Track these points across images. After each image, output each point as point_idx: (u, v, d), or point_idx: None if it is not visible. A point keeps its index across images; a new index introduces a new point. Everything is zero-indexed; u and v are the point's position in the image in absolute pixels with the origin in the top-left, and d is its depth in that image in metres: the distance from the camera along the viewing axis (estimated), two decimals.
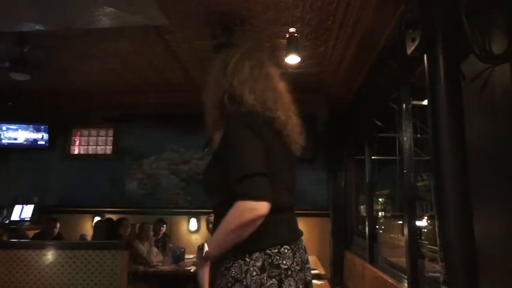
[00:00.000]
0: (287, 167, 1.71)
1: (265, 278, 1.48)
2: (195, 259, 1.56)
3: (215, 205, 1.70)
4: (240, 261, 1.51)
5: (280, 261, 1.52)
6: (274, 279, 1.49)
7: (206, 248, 1.53)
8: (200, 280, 1.56)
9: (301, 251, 1.63)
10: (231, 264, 1.52)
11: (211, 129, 1.74)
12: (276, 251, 1.53)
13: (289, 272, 1.53)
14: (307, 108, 3.03)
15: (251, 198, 1.44)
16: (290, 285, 1.51)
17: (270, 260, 1.51)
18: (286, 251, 1.55)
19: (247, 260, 1.50)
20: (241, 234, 1.46)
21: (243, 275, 1.48)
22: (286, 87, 1.82)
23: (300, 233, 1.69)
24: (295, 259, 1.57)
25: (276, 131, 1.66)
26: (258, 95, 1.67)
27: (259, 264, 1.49)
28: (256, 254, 1.50)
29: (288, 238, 1.60)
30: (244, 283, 1.47)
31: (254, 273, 1.48)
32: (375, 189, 5.73)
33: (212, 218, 5.57)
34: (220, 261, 1.55)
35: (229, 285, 1.49)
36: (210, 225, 5.64)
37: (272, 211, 1.49)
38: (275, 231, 1.56)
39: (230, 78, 1.71)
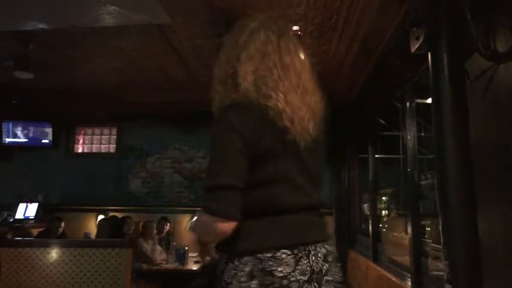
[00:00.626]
0: (294, 161, 1.44)
1: (255, 285, 1.29)
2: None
3: None
4: (230, 264, 1.35)
5: (274, 268, 1.29)
6: None
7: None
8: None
9: (313, 258, 1.35)
10: (224, 267, 1.38)
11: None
12: (270, 255, 1.30)
13: (286, 282, 1.28)
14: None
15: (210, 213, 1.31)
16: None
17: (260, 266, 1.30)
18: (283, 256, 1.30)
19: (236, 263, 1.33)
20: (203, 240, 1.49)
21: (231, 279, 1.33)
22: (308, 65, 1.60)
23: (319, 238, 1.43)
24: (298, 267, 1.31)
25: (271, 122, 1.38)
26: (258, 76, 1.44)
27: (247, 269, 1.30)
28: (246, 258, 1.32)
29: (290, 242, 1.34)
30: None
31: (242, 279, 1.30)
32: (379, 188, 5.72)
33: None
34: (218, 262, 1.45)
35: None
36: None
37: (268, 213, 1.36)
38: (270, 234, 1.35)
39: (240, 50, 1.50)
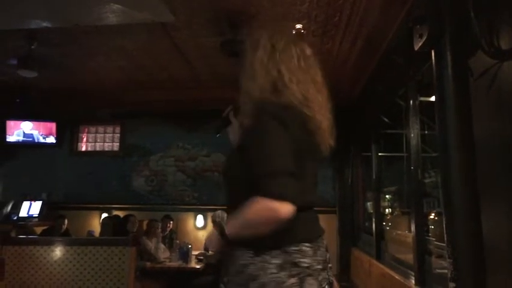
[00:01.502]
0: (314, 166, 1.63)
1: (284, 276, 1.38)
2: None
3: (232, 201, 1.56)
4: (258, 258, 1.41)
5: (300, 260, 1.42)
6: (295, 279, 1.39)
7: (227, 231, 1.44)
8: (211, 244, 1.52)
9: (322, 249, 1.53)
10: (249, 261, 1.42)
11: (244, 113, 1.61)
12: (297, 249, 1.43)
13: (309, 271, 1.43)
14: None
15: (278, 198, 1.31)
16: (311, 284, 1.42)
17: (289, 259, 1.41)
18: (307, 249, 1.45)
19: (266, 257, 1.40)
20: (257, 232, 1.37)
21: (260, 272, 1.39)
22: (324, 80, 1.72)
23: (322, 231, 1.59)
24: (316, 258, 1.47)
25: (309, 130, 1.55)
26: (302, 88, 1.58)
27: (278, 261, 1.40)
28: (276, 252, 1.41)
29: (309, 236, 1.50)
30: (261, 280, 1.39)
31: (272, 271, 1.39)
32: (382, 186, 5.72)
33: (217, 216, 5.60)
34: (237, 257, 1.46)
35: (245, 282, 1.41)
36: (214, 224, 5.66)
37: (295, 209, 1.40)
38: (296, 229, 1.43)
39: (278, 64, 1.59)
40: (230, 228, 1.44)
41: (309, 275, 1.42)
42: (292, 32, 1.79)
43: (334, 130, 1.67)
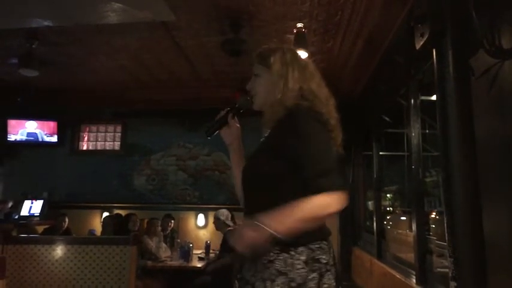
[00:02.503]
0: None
1: (309, 271, 1.50)
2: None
3: (259, 202, 1.62)
4: (284, 254, 1.52)
5: (320, 256, 1.55)
6: (315, 273, 1.52)
7: (269, 229, 1.43)
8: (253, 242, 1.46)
9: (332, 247, 1.66)
10: (275, 257, 1.52)
11: (268, 121, 1.75)
12: (318, 246, 1.56)
13: (328, 267, 1.56)
14: None
15: (340, 190, 1.48)
16: (330, 279, 1.55)
17: (312, 255, 1.53)
18: (325, 246, 1.59)
19: (293, 253, 1.52)
20: (311, 225, 1.49)
21: (288, 268, 1.50)
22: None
23: (330, 230, 1.71)
24: (331, 254, 1.61)
25: (329, 130, 1.70)
26: (322, 100, 1.73)
27: (303, 258, 1.51)
28: (301, 248, 1.53)
29: (326, 234, 1.64)
30: (290, 276, 1.49)
31: (299, 267, 1.50)
32: (383, 185, 5.72)
33: (221, 214, 5.59)
34: (261, 253, 1.53)
35: (272, 277, 1.51)
36: (217, 222, 5.65)
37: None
38: (318, 227, 1.58)
39: (303, 77, 1.76)
40: (282, 226, 1.44)
41: (327, 270, 1.56)
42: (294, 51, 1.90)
43: (341, 127, 1.79)
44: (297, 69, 1.76)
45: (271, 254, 1.52)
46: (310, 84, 1.75)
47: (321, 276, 1.53)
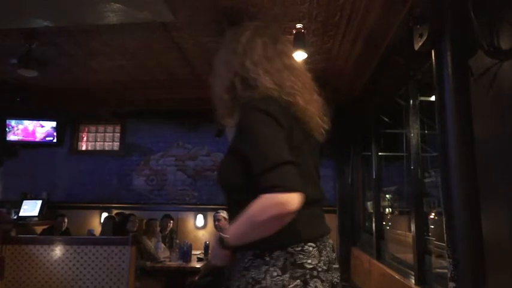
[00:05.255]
0: (310, 157, 1.51)
1: (287, 279, 1.32)
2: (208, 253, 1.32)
3: (231, 205, 1.49)
4: (259, 260, 1.35)
5: (304, 260, 1.35)
6: (298, 280, 1.32)
7: (226, 235, 1.35)
8: (218, 261, 1.41)
9: (328, 249, 1.44)
10: (249, 263, 1.37)
11: (222, 116, 1.57)
12: (299, 249, 1.35)
13: (315, 273, 1.35)
14: None
15: (282, 190, 1.23)
16: (316, 286, 1.34)
17: (292, 259, 1.34)
18: (310, 249, 1.37)
19: (267, 259, 1.34)
20: (266, 231, 1.28)
21: (263, 275, 1.33)
22: (304, 64, 1.64)
23: (328, 230, 1.50)
24: (321, 258, 1.39)
25: (295, 118, 1.45)
26: (275, 77, 1.48)
27: (280, 263, 1.33)
28: (277, 253, 1.34)
29: (313, 235, 1.41)
30: (264, 285, 1.32)
31: (275, 274, 1.32)
32: (382, 186, 5.72)
33: (220, 215, 5.61)
34: (238, 259, 1.41)
35: (248, 286, 1.35)
36: (217, 223, 5.66)
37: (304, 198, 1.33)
38: (298, 227, 1.36)
39: (241, 58, 1.52)
40: (232, 233, 1.35)
41: (313, 276, 1.35)
42: (262, 23, 1.63)
43: (326, 112, 1.60)
44: (232, 53, 1.56)
45: (246, 260, 1.37)
46: (253, 70, 1.50)
47: (305, 283, 1.32)
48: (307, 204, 1.35)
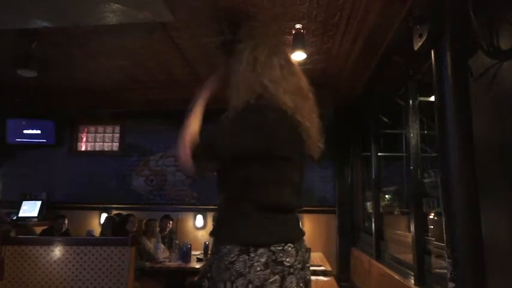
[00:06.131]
0: (298, 170, 1.71)
1: (268, 273, 1.50)
2: None
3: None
4: (244, 256, 1.52)
5: (283, 259, 1.53)
6: (277, 276, 1.51)
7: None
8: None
9: (303, 250, 1.63)
10: (235, 258, 1.52)
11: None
12: (280, 248, 1.54)
13: (292, 270, 1.54)
14: None
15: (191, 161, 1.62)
16: (291, 282, 1.53)
17: (273, 257, 1.52)
18: (290, 249, 1.56)
19: (252, 255, 1.51)
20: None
21: (247, 269, 1.50)
22: (309, 86, 1.77)
23: (303, 233, 1.70)
24: (297, 257, 1.58)
25: (300, 136, 1.67)
26: (291, 98, 1.64)
27: (263, 260, 1.51)
28: (261, 250, 1.51)
29: (292, 237, 1.61)
30: (248, 278, 1.49)
31: (258, 269, 1.50)
32: (382, 186, 5.72)
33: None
34: (224, 254, 1.56)
35: (232, 278, 1.51)
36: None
37: (278, 211, 1.60)
38: (280, 230, 1.58)
39: (260, 77, 1.66)
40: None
41: (290, 273, 1.54)
42: (276, 40, 1.83)
43: (322, 134, 1.76)
44: (252, 70, 1.71)
45: (232, 255, 1.53)
46: (273, 88, 1.67)
47: (283, 278, 1.52)
48: (290, 210, 1.65)
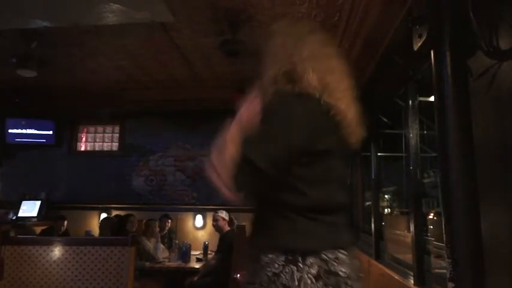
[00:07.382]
0: (342, 163, 1.52)
1: (320, 286, 1.28)
2: None
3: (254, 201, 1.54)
4: (292, 266, 1.30)
5: (338, 269, 1.31)
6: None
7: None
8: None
9: (355, 258, 1.41)
10: (280, 269, 1.30)
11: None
12: (333, 256, 1.32)
13: (349, 282, 1.32)
14: None
15: (231, 188, 1.39)
16: None
17: (326, 267, 1.30)
18: (344, 257, 1.34)
19: (301, 265, 1.29)
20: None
21: (296, 283, 1.27)
22: (347, 69, 1.62)
23: (354, 238, 1.51)
24: (352, 266, 1.36)
25: (334, 121, 1.45)
26: (320, 77, 1.46)
27: (314, 271, 1.28)
28: (311, 260, 1.30)
29: (345, 242, 1.40)
30: None
31: (309, 282, 1.27)
32: (381, 186, 5.71)
33: (218, 215, 5.60)
34: (266, 264, 1.34)
35: None
36: (214, 223, 5.66)
37: (326, 212, 1.38)
38: (331, 234, 1.37)
39: (290, 51, 1.53)
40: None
41: (347, 285, 1.32)
42: (310, 22, 1.67)
43: (361, 120, 1.57)
44: (283, 46, 1.58)
45: (277, 265, 1.31)
46: (301, 66, 1.51)
47: None
48: (339, 209, 1.43)
